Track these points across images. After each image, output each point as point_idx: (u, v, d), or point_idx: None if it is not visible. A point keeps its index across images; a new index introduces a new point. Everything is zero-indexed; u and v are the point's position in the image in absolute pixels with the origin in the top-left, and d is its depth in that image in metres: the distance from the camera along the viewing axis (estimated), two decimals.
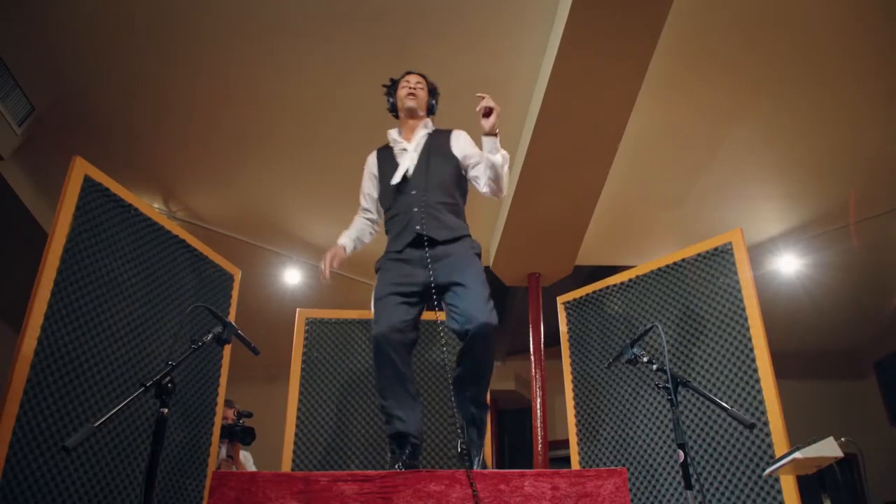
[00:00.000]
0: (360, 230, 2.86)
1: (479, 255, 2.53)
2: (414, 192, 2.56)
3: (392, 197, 2.63)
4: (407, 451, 2.29)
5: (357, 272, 6.35)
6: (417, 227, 2.49)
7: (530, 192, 4.58)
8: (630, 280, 3.24)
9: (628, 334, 3.13)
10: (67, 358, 2.26)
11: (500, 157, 2.49)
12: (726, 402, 2.62)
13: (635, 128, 4.20)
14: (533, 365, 4.97)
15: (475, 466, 2.31)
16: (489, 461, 3.23)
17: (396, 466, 2.22)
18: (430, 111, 2.82)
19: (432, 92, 2.82)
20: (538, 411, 4.81)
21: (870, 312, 7.05)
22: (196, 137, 4.90)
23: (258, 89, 4.43)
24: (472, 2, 3.78)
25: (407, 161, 2.63)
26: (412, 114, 2.74)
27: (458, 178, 2.65)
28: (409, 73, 2.83)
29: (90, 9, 3.86)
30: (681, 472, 2.14)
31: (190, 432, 2.79)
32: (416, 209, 2.52)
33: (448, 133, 2.73)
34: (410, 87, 2.74)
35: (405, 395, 2.36)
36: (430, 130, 2.74)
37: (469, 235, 2.58)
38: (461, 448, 2.38)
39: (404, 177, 2.60)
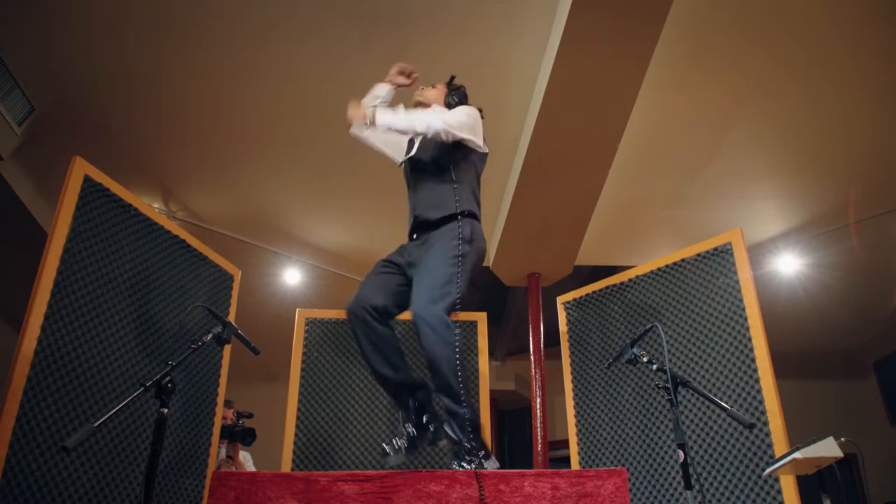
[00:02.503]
0: None
1: (463, 240, 2.39)
2: (415, 174, 2.63)
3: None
4: (414, 406, 2.34)
5: (357, 272, 6.35)
6: (414, 211, 2.56)
7: (530, 192, 4.57)
8: (630, 280, 3.24)
9: (628, 334, 3.13)
10: (67, 358, 2.26)
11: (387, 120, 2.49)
12: (726, 402, 2.63)
13: (635, 127, 4.20)
14: (533, 365, 4.97)
15: (462, 460, 2.26)
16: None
17: (406, 428, 2.29)
18: (446, 104, 2.75)
19: (452, 87, 2.79)
20: (538, 411, 4.81)
21: (870, 312, 7.05)
22: (196, 137, 4.90)
23: (258, 89, 4.42)
24: (473, 2, 3.78)
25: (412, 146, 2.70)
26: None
27: (447, 150, 2.57)
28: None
29: (90, 9, 3.86)
30: (681, 472, 2.14)
31: (190, 432, 2.79)
32: (413, 192, 2.60)
33: None
34: (420, 90, 2.79)
35: (389, 355, 2.38)
36: None
37: (457, 216, 2.45)
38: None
39: (411, 160, 2.67)
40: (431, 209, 2.49)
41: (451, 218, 2.44)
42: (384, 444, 2.39)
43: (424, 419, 2.37)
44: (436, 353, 2.23)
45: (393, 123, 2.47)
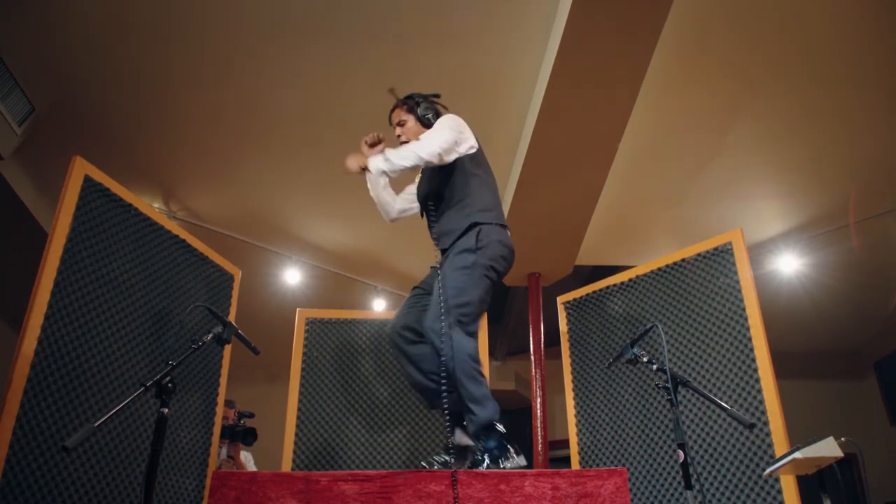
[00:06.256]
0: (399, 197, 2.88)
1: (473, 251, 2.40)
2: (425, 212, 2.69)
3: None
4: (453, 425, 2.41)
5: (357, 272, 6.36)
6: (434, 240, 2.62)
7: (530, 193, 4.58)
8: (630, 280, 3.23)
9: (628, 334, 3.13)
10: (67, 358, 2.26)
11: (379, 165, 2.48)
12: (726, 402, 2.62)
13: (635, 127, 4.20)
14: (533, 365, 4.98)
15: (477, 466, 2.27)
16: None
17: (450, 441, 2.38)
18: (425, 124, 2.69)
19: (416, 106, 2.71)
20: (538, 411, 4.81)
21: (870, 312, 7.05)
22: (196, 137, 4.90)
23: (258, 89, 4.43)
24: (472, 3, 3.78)
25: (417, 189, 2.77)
26: None
27: (450, 171, 2.56)
28: (391, 110, 2.78)
29: (90, 9, 3.86)
30: (681, 472, 2.14)
31: (190, 432, 2.79)
32: (430, 228, 2.66)
33: None
34: (396, 132, 2.74)
35: (425, 371, 2.44)
36: None
37: (469, 229, 2.46)
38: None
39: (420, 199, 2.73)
40: (444, 237, 2.54)
41: (462, 233, 2.48)
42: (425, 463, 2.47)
43: (460, 439, 2.42)
44: (452, 364, 2.28)
45: (385, 167, 2.48)
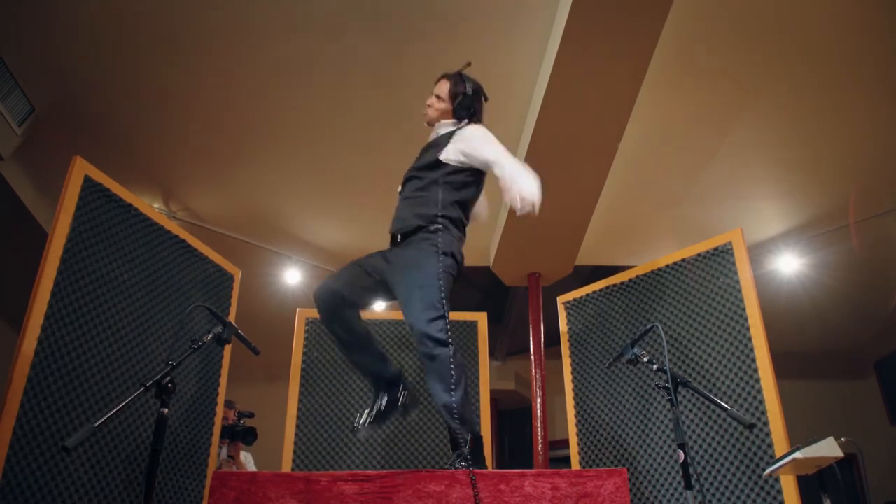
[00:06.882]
0: None
1: (438, 253, 2.37)
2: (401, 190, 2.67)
3: None
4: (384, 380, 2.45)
5: None
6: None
7: None
8: (630, 280, 3.23)
9: (628, 334, 3.13)
10: (67, 358, 2.26)
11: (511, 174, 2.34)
12: (726, 402, 2.62)
13: (635, 127, 4.20)
14: (533, 365, 4.97)
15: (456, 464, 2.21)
16: (489, 462, 3.23)
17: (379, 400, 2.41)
18: (457, 116, 2.64)
19: (457, 95, 2.63)
20: (538, 411, 4.81)
21: (870, 312, 7.05)
22: (196, 137, 4.90)
23: (259, 89, 4.43)
24: (472, 3, 3.78)
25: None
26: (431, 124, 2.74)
27: (435, 168, 2.53)
28: (441, 77, 2.73)
29: (91, 9, 3.86)
30: (681, 472, 2.14)
31: (190, 432, 2.79)
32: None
33: (452, 133, 2.59)
34: (428, 100, 2.71)
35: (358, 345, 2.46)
36: (440, 132, 2.66)
37: (424, 227, 2.44)
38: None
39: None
40: (397, 223, 2.56)
41: (419, 229, 2.46)
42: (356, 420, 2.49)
43: (393, 393, 2.46)
44: (434, 365, 2.24)
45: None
